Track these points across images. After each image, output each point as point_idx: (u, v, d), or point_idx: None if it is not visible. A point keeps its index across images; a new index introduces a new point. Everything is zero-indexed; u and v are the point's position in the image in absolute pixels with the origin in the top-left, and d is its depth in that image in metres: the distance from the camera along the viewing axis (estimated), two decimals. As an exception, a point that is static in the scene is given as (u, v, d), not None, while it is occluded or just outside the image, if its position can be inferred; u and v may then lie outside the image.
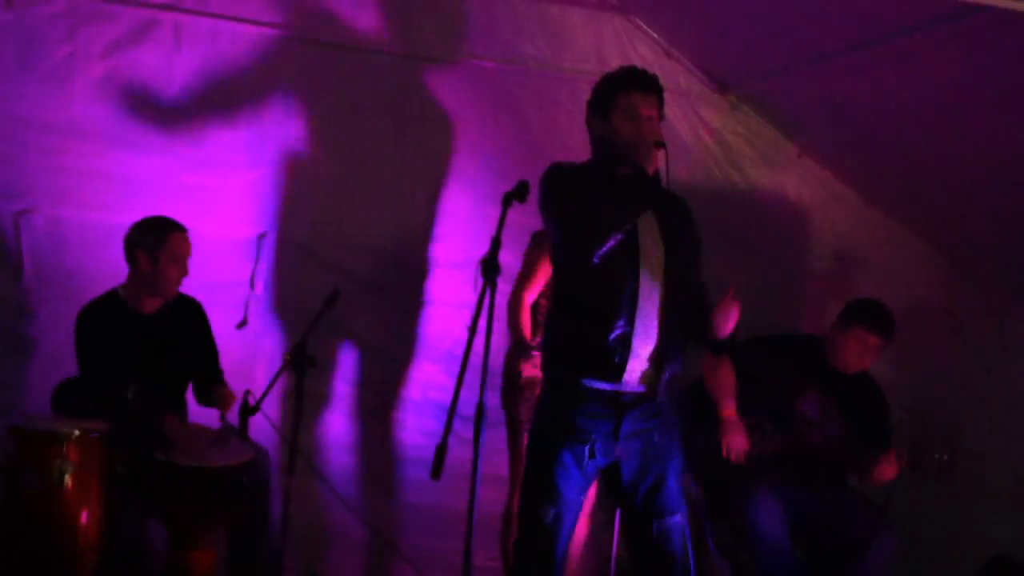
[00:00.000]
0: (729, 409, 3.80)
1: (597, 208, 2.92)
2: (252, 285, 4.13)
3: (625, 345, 2.93)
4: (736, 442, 3.73)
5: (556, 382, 3.06)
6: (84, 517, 3.20)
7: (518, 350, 3.90)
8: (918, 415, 4.40)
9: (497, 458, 3.96)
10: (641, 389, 2.99)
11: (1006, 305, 4.45)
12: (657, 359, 2.97)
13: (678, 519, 3.01)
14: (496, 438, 3.90)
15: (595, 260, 2.89)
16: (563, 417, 2.98)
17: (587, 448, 2.95)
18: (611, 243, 2.90)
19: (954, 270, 4.61)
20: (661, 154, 2.93)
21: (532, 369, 3.80)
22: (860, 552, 3.67)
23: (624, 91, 3.03)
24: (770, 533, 3.67)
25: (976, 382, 4.48)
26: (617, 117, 3.01)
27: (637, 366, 2.96)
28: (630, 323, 2.93)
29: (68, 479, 3.17)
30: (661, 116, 3.07)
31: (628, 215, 2.92)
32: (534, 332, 3.86)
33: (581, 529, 3.92)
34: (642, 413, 2.99)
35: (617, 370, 2.94)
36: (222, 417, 3.60)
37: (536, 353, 3.77)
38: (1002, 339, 4.43)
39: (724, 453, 3.73)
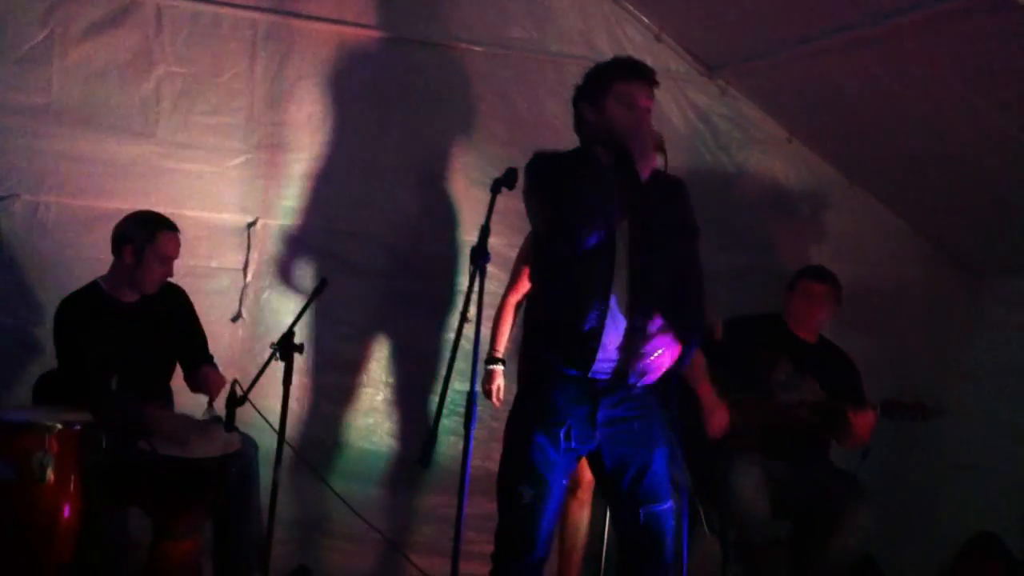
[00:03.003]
0: (705, 390, 3.85)
1: (582, 199, 2.86)
2: (245, 276, 4.08)
3: (596, 338, 2.90)
4: (719, 418, 3.82)
5: (532, 365, 3.05)
6: (66, 510, 3.15)
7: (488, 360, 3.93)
8: (898, 391, 4.39)
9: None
10: (610, 376, 2.95)
11: (982, 282, 4.52)
12: (625, 350, 2.93)
13: (667, 506, 2.98)
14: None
15: (578, 253, 2.85)
16: (538, 399, 2.97)
17: (562, 431, 2.93)
18: (594, 239, 2.86)
19: (934, 249, 4.67)
20: (659, 157, 2.89)
21: (488, 384, 3.89)
22: (837, 524, 3.76)
23: (623, 79, 2.97)
24: (749, 500, 3.75)
25: (955, 359, 4.56)
26: (611, 103, 2.95)
27: (604, 356, 2.93)
28: (602, 317, 2.90)
29: (49, 472, 3.11)
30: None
31: (614, 213, 2.88)
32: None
33: (583, 516, 3.94)
34: (618, 400, 2.97)
35: (586, 361, 2.91)
36: (210, 403, 3.55)
37: (492, 369, 3.89)
38: (979, 316, 4.50)
39: (709, 432, 3.80)
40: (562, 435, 2.93)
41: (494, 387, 3.89)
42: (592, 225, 2.84)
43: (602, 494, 3.38)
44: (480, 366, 2.86)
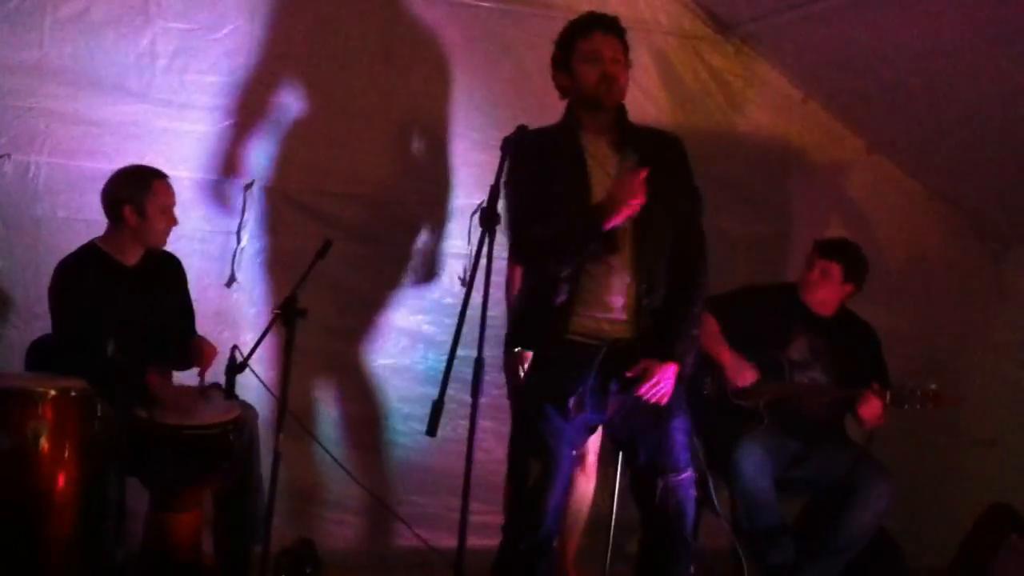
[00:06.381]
0: (725, 353, 3.80)
1: (560, 190, 2.85)
2: (239, 239, 4.00)
3: (573, 305, 2.87)
4: (746, 375, 3.77)
5: (536, 338, 2.99)
6: (61, 480, 3.07)
7: None
8: (919, 362, 4.38)
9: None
10: (620, 342, 2.90)
11: (1003, 250, 4.46)
12: (632, 312, 2.88)
13: (685, 476, 2.95)
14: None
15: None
16: (547, 371, 2.93)
17: (571, 400, 2.88)
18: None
19: (953, 216, 4.61)
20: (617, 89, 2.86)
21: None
22: (853, 500, 3.71)
23: (585, 34, 2.92)
24: (753, 481, 3.70)
25: (977, 329, 4.53)
26: (578, 62, 2.91)
27: (612, 318, 2.89)
28: (576, 287, 2.86)
29: (44, 441, 3.04)
30: (627, 63, 2.94)
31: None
32: None
33: (588, 486, 3.88)
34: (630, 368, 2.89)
35: (562, 330, 2.88)
36: (201, 375, 3.49)
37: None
38: (1000, 285, 4.44)
39: (732, 385, 3.78)
40: (571, 404, 2.88)
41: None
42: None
43: (615, 460, 3.32)
44: (488, 331, 2.76)
